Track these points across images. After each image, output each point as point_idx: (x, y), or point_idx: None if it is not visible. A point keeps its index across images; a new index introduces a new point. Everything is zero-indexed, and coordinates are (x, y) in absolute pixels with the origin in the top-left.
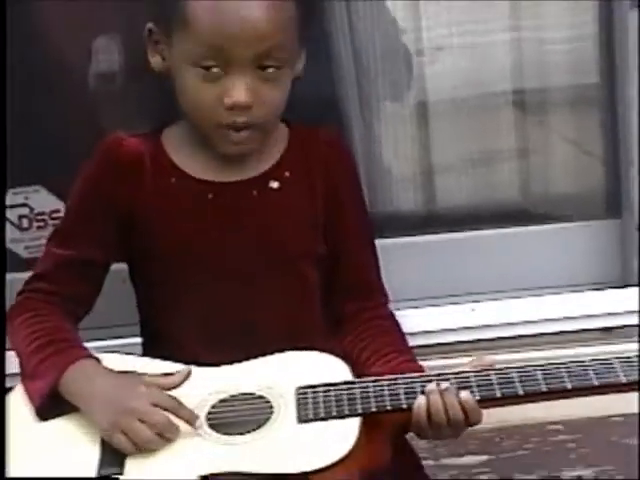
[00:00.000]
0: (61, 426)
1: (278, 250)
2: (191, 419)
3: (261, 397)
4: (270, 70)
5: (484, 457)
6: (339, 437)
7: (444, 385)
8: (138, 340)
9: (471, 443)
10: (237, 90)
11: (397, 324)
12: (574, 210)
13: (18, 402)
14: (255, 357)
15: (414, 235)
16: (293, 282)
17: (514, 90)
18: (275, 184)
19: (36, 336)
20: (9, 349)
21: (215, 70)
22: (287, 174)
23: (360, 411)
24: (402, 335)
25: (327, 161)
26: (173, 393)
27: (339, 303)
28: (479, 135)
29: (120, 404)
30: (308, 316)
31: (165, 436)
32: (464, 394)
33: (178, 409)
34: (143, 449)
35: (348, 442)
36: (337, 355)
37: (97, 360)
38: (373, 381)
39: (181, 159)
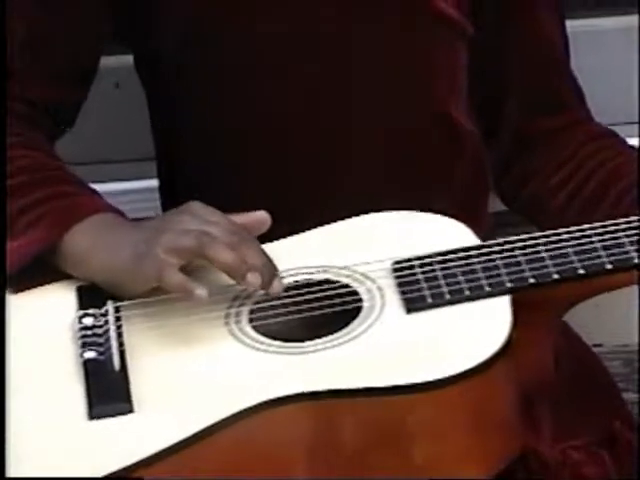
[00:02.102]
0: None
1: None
2: (274, 288)
3: (335, 282)
4: None
5: None
6: (481, 330)
7: None
8: (147, 184)
9: None
10: None
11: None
12: None
13: None
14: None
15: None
16: (423, 70)
17: None
18: None
19: (8, 171)
20: None
21: None
22: None
23: (509, 285)
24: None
25: None
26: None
27: (516, 119)
28: None
29: (158, 231)
30: (443, 133)
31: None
32: None
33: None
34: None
35: (497, 336)
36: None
37: (122, 215)
38: (526, 239)
39: None
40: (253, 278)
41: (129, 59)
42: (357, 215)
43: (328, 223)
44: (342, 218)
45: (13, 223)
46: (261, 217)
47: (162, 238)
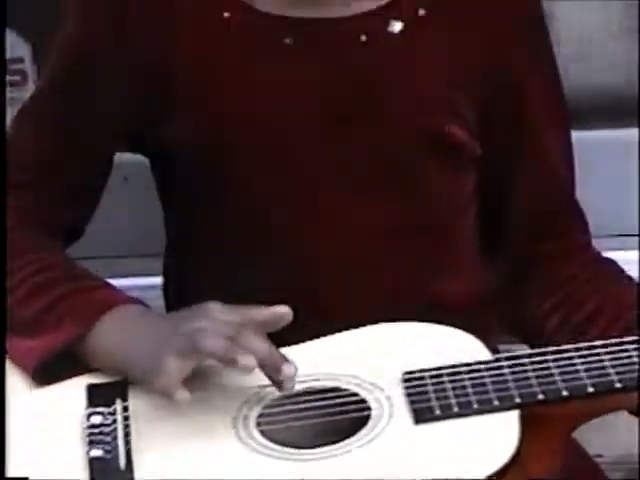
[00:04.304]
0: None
1: (396, 137)
2: (284, 371)
3: (344, 390)
4: None
5: None
6: (488, 443)
7: None
8: (148, 281)
9: None
10: None
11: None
12: None
13: None
14: (331, 332)
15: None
16: (419, 195)
17: None
18: (398, 26)
19: (26, 273)
20: None
21: None
22: (421, 12)
23: (518, 400)
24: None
25: None
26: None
27: (516, 241)
28: None
29: (175, 327)
30: (443, 260)
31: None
32: None
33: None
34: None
35: (505, 449)
36: (508, 326)
37: (144, 305)
38: (536, 354)
39: None
40: (245, 360)
41: (137, 156)
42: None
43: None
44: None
45: (42, 318)
46: (281, 311)
47: (196, 321)
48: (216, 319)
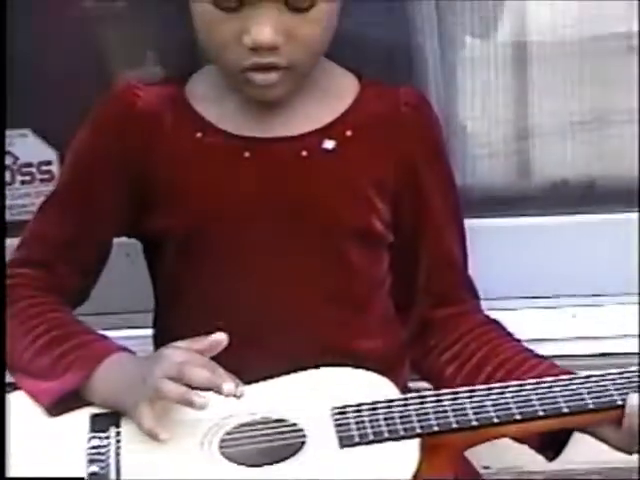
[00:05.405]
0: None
1: (329, 230)
2: (224, 389)
3: (286, 421)
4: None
5: None
6: (395, 463)
7: None
8: (141, 332)
9: None
10: (259, 26)
11: (508, 331)
12: None
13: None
14: (278, 375)
15: (499, 217)
16: (345, 274)
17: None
18: (330, 144)
19: (42, 330)
20: None
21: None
22: (348, 133)
23: (418, 431)
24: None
25: (406, 125)
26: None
27: (421, 307)
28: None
29: (143, 376)
30: (364, 323)
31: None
32: None
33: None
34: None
35: (408, 468)
36: (417, 371)
37: (131, 352)
38: (432, 395)
39: (209, 110)
40: (199, 400)
41: None
42: None
43: None
44: None
45: (54, 366)
46: (217, 338)
47: (155, 370)
48: (171, 362)
